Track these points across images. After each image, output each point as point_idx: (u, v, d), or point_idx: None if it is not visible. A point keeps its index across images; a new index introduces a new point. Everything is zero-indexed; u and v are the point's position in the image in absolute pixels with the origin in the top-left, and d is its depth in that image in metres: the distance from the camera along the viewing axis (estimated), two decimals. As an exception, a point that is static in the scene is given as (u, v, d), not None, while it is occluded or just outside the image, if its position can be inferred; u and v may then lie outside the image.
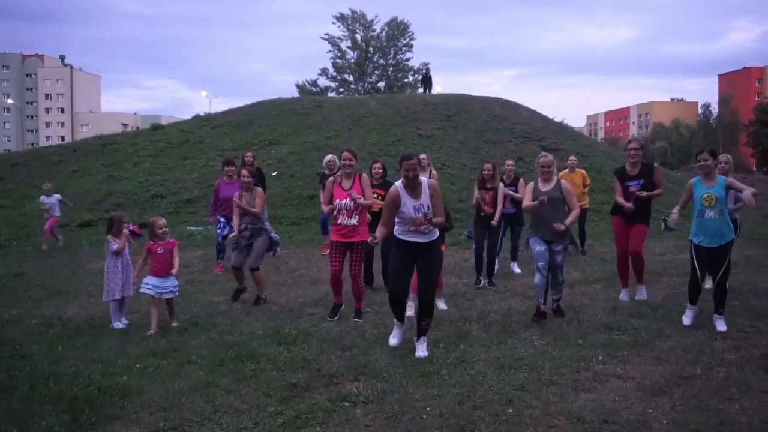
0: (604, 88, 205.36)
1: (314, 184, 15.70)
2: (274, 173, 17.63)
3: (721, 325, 5.85)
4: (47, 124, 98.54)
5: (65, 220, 15.82)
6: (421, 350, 5.22)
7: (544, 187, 6.51)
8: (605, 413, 3.94)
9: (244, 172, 7.53)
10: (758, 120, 62.41)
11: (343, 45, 55.14)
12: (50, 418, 3.99)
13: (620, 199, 7.06)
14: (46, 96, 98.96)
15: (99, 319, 6.67)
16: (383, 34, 55.31)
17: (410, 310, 6.20)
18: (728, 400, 4.15)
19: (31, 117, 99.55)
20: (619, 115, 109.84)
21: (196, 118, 27.02)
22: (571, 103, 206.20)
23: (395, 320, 5.58)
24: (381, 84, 55.43)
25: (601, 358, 5.03)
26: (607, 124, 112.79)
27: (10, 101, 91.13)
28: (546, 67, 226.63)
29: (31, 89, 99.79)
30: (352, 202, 6.29)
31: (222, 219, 9.24)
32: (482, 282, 8.29)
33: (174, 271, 6.37)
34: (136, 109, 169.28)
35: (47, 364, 5.12)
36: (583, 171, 11.61)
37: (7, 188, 18.87)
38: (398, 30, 55.17)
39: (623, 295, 7.24)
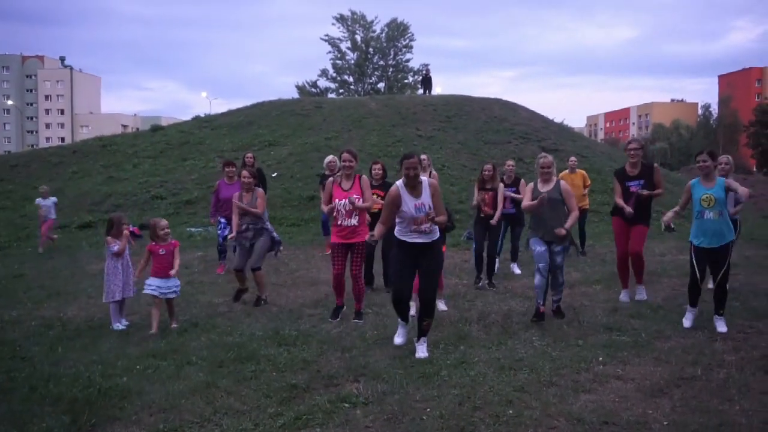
0: (604, 88, 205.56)
1: (314, 185, 15.71)
2: (274, 174, 17.64)
3: (721, 326, 5.84)
4: (47, 126, 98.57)
5: (65, 221, 15.84)
6: (422, 351, 5.22)
7: (543, 188, 6.52)
8: (605, 414, 3.94)
9: (245, 172, 7.53)
10: (758, 121, 62.41)
11: (343, 46, 55.20)
12: (50, 420, 3.99)
13: (620, 202, 7.06)
14: (46, 97, 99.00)
15: (99, 321, 6.67)
16: (383, 35, 55.30)
17: (411, 309, 6.19)
18: (728, 401, 4.14)
19: (31, 118, 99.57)
20: (619, 116, 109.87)
21: (196, 119, 27.01)
22: (571, 103, 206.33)
23: (399, 320, 5.58)
24: (381, 85, 55.43)
25: (601, 359, 5.03)
26: (607, 124, 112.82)
27: (10, 102, 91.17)
28: (546, 67, 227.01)
29: (31, 90, 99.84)
30: (350, 213, 6.30)
31: (222, 220, 9.24)
32: (482, 281, 8.30)
33: (173, 272, 6.37)
34: (136, 110, 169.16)
35: (47, 365, 5.12)
36: (584, 172, 11.61)
37: (7, 189, 18.87)
38: (398, 31, 55.17)
39: (623, 296, 7.24)
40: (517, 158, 16.96)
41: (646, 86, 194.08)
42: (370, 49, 55.12)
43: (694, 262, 6.00)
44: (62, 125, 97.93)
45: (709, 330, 5.83)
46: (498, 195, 8.36)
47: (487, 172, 8.44)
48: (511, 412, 3.99)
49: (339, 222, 6.41)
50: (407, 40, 55.72)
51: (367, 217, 6.69)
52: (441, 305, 6.78)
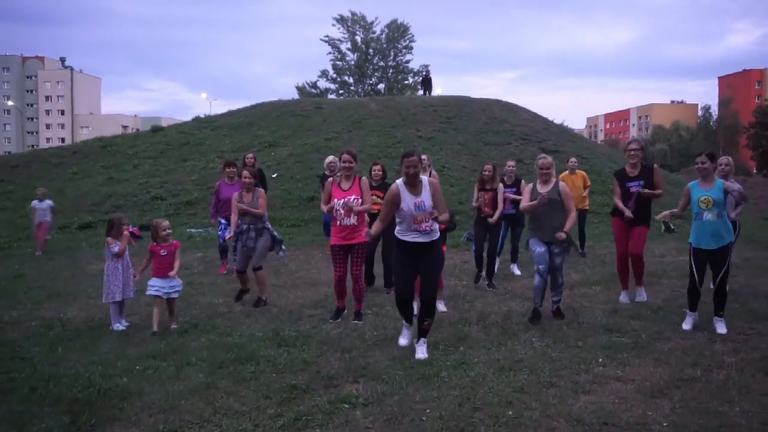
0: (604, 90, 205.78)
1: (314, 185, 15.72)
2: (274, 175, 17.65)
3: (721, 328, 5.84)
4: (47, 126, 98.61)
5: (66, 221, 15.85)
6: (421, 352, 5.21)
7: (542, 189, 6.53)
8: (605, 415, 3.94)
9: (246, 172, 7.54)
10: (758, 122, 62.45)
11: (343, 47, 55.23)
12: (50, 420, 3.99)
13: (620, 204, 7.07)
14: (47, 98, 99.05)
15: (99, 321, 6.67)
16: (383, 36, 55.33)
17: (414, 309, 6.17)
18: (728, 402, 4.14)
19: (32, 119, 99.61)
20: (619, 117, 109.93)
21: (196, 119, 27.03)
22: (571, 105, 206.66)
23: (404, 322, 5.57)
24: (381, 86, 55.44)
25: (600, 360, 5.03)
26: (607, 126, 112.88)
27: (10, 103, 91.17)
28: (546, 68, 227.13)
29: (32, 91, 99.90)
30: (349, 212, 6.30)
31: (223, 221, 9.25)
32: (482, 278, 8.32)
33: (172, 273, 6.38)
34: (136, 111, 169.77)
35: (47, 366, 5.12)
36: (584, 173, 11.63)
37: (7, 190, 18.88)
38: (398, 32, 55.19)
39: (623, 297, 7.24)
40: (517, 159, 16.97)
41: (646, 88, 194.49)
42: (370, 50, 55.15)
43: (693, 264, 6.01)
44: (62, 126, 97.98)
45: (709, 331, 5.83)
46: (498, 195, 8.37)
47: (487, 173, 8.45)
48: (510, 413, 3.99)
49: (338, 222, 6.42)
50: (407, 41, 55.77)
51: (366, 218, 6.69)
52: (441, 306, 6.78)
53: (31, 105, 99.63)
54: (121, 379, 4.72)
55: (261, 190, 7.55)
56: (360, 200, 6.34)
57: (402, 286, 5.37)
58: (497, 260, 9.12)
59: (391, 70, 56.16)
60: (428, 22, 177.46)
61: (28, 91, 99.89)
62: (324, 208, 6.62)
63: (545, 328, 6.08)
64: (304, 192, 16.79)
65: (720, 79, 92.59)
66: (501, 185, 8.56)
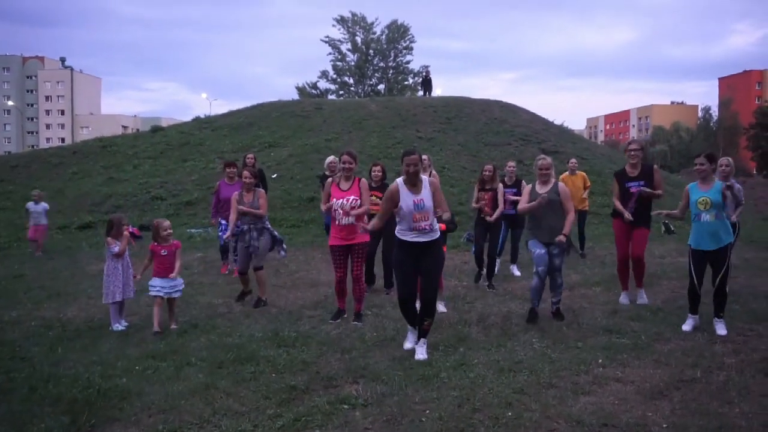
0: (604, 90, 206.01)
1: (314, 186, 15.73)
2: (274, 175, 17.65)
3: (720, 329, 5.84)
4: (47, 126, 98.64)
5: (66, 222, 15.85)
6: (421, 353, 5.21)
7: (541, 190, 6.54)
8: (605, 416, 3.94)
9: (246, 172, 7.55)
10: (758, 123, 62.45)
11: (344, 47, 55.27)
12: (49, 420, 3.99)
13: (619, 206, 7.08)
14: (47, 98, 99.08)
15: (98, 321, 6.66)
16: (383, 36, 55.35)
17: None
18: (728, 403, 4.14)
19: (32, 119, 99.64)
20: (619, 118, 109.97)
21: (196, 120, 27.04)
22: (571, 105, 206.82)
23: (408, 325, 5.54)
24: (381, 86, 55.47)
25: (600, 361, 5.03)
26: (607, 127, 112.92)
27: (10, 103, 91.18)
28: (546, 69, 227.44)
29: (32, 91, 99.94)
30: (347, 215, 6.29)
31: (223, 221, 9.24)
32: (483, 277, 8.33)
33: (173, 275, 6.39)
34: (136, 111, 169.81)
35: (47, 366, 5.12)
36: (584, 174, 11.64)
37: (8, 190, 18.88)
38: (398, 33, 55.21)
39: (623, 298, 7.24)
40: (517, 160, 16.98)
41: (646, 89, 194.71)
42: (371, 51, 55.17)
43: (692, 266, 6.03)
44: (62, 126, 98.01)
45: (708, 333, 5.83)
46: (498, 196, 8.38)
47: (487, 173, 8.46)
48: (510, 414, 3.99)
49: (337, 222, 6.42)
50: (407, 42, 55.80)
51: (365, 219, 6.69)
52: (440, 307, 6.78)
53: (31, 105, 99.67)
54: (120, 380, 4.72)
55: (261, 191, 7.56)
56: (359, 201, 6.34)
57: (403, 286, 5.37)
58: (497, 261, 9.13)
59: (391, 71, 56.18)
60: (428, 23, 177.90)
61: (28, 91, 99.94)
62: (323, 207, 6.63)
63: (545, 329, 6.07)
64: (304, 192, 16.79)
65: (720, 80, 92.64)
66: (501, 185, 8.57)
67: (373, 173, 7.91)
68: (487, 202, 8.38)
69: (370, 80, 56.10)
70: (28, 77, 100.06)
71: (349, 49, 55.30)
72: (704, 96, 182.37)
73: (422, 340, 5.29)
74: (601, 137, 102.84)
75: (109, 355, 5.42)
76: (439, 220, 5.39)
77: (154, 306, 6.30)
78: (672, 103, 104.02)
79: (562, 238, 6.29)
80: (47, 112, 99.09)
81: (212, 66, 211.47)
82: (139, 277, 6.57)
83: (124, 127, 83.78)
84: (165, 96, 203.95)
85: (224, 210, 9.12)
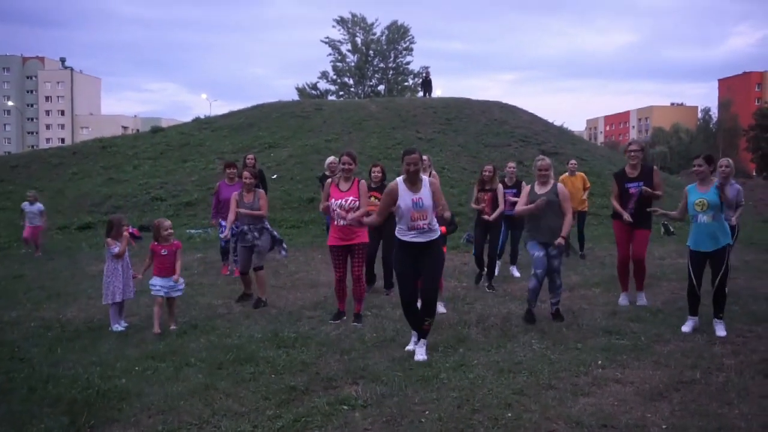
0: (603, 92, 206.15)
1: (314, 187, 15.72)
2: (274, 176, 17.65)
3: (720, 330, 5.85)
4: (47, 127, 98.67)
5: (65, 222, 15.85)
6: (421, 354, 5.21)
7: (540, 190, 6.55)
8: (604, 418, 3.94)
9: (246, 173, 7.56)
10: (758, 125, 62.54)
11: (344, 48, 55.26)
12: (49, 421, 3.99)
13: (617, 206, 7.09)
14: (47, 98, 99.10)
15: (98, 322, 6.66)
16: (383, 37, 55.36)
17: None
18: (727, 405, 4.14)
19: (32, 119, 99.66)
20: (619, 119, 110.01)
21: (196, 120, 27.03)
22: (570, 107, 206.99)
23: (412, 330, 5.51)
24: (381, 87, 55.49)
25: (600, 362, 5.03)
26: (607, 128, 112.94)
27: (10, 103, 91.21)
28: (545, 71, 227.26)
29: (32, 91, 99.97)
30: (346, 214, 6.29)
31: (223, 222, 9.23)
32: (483, 278, 8.33)
33: (175, 277, 6.40)
34: (136, 111, 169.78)
35: (46, 366, 5.11)
36: (583, 175, 11.64)
37: (7, 190, 18.87)
38: (398, 34, 55.23)
39: (622, 300, 7.24)
40: (517, 161, 16.99)
41: (646, 90, 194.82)
42: (371, 52, 55.18)
43: (690, 267, 6.05)
44: (62, 126, 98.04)
45: (708, 334, 5.84)
46: (498, 196, 8.39)
47: (487, 173, 8.47)
48: (510, 415, 3.99)
49: (335, 222, 6.43)
50: (407, 43, 55.81)
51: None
52: (440, 308, 6.78)
53: (31, 105, 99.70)
54: (120, 380, 4.71)
55: (261, 191, 7.57)
56: (357, 202, 6.34)
57: (404, 287, 5.37)
58: (497, 263, 9.13)
59: (391, 72, 56.20)
60: (428, 24, 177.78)
61: (28, 92, 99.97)
62: (322, 207, 6.64)
63: (544, 330, 6.07)
64: (304, 193, 16.79)
65: (720, 81, 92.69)
66: (500, 186, 8.57)
67: (372, 174, 7.92)
68: (486, 202, 8.38)
69: (370, 81, 56.13)
70: (28, 77, 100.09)
71: (349, 50, 55.37)
72: (704, 97, 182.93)
73: (422, 341, 5.29)
74: (600, 138, 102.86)
75: (109, 355, 5.42)
76: (440, 220, 5.39)
77: (155, 306, 6.30)
78: (672, 104, 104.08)
79: (561, 240, 6.31)
80: (47, 112, 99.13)
81: (212, 66, 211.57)
82: (140, 276, 6.57)
83: (124, 128, 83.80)
84: (165, 96, 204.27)
85: (224, 211, 9.11)
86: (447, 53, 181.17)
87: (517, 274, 9.33)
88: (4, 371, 5.03)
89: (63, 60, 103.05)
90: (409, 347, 5.47)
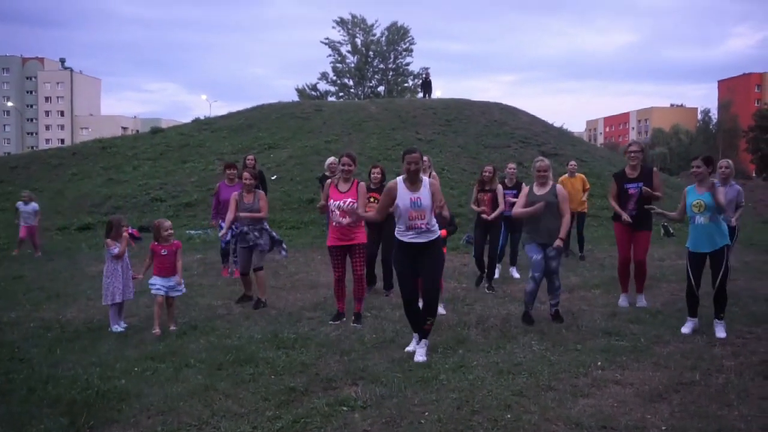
0: (603, 93, 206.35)
1: (314, 188, 15.72)
2: (274, 177, 17.65)
3: (720, 332, 5.85)
4: (47, 127, 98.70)
5: (65, 223, 15.84)
6: (421, 355, 5.21)
7: (539, 191, 6.55)
8: (604, 419, 3.94)
9: (246, 174, 7.56)
10: (758, 126, 62.58)
11: (344, 49, 55.30)
12: (48, 422, 3.99)
13: (615, 206, 7.10)
14: (46, 99, 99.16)
15: (98, 323, 6.66)
16: (383, 38, 55.40)
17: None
18: (727, 406, 4.14)
19: (31, 120, 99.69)
20: (619, 121, 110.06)
21: (196, 121, 27.05)
22: (570, 108, 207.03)
23: (413, 332, 5.52)
24: (381, 88, 55.51)
25: (599, 363, 5.03)
26: (607, 129, 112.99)
27: (10, 104, 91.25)
28: (545, 72, 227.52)
29: (31, 92, 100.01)
30: (344, 214, 6.29)
31: (223, 223, 9.23)
32: (483, 280, 8.33)
33: (178, 279, 6.42)
34: (136, 112, 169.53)
35: (46, 367, 5.11)
36: (583, 176, 11.66)
37: (7, 191, 18.86)
38: (398, 35, 55.27)
39: (622, 301, 7.25)
40: (516, 162, 17.00)
41: (646, 91, 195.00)
42: (371, 53, 55.22)
43: (689, 268, 6.06)
44: (62, 127, 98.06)
45: (708, 335, 5.84)
46: (498, 197, 8.40)
47: (487, 174, 8.48)
48: (509, 416, 3.99)
49: (334, 223, 6.44)
50: (407, 44, 55.86)
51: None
52: (440, 309, 6.76)
53: (31, 106, 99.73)
54: (119, 381, 4.71)
55: (261, 193, 7.57)
56: (356, 204, 6.34)
57: (404, 286, 5.38)
58: (498, 266, 9.13)
59: (391, 73, 56.23)
60: (428, 25, 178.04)
61: (27, 92, 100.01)
62: (319, 206, 6.66)
63: (544, 332, 6.07)
64: (303, 194, 16.79)
65: (720, 82, 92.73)
66: (500, 186, 8.58)
67: (372, 175, 7.92)
68: (486, 203, 8.39)
69: (370, 82, 56.16)
70: (27, 78, 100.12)
71: (348, 51, 55.42)
72: (704, 99, 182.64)
73: (423, 341, 5.29)
74: (600, 140, 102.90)
75: (108, 356, 5.42)
76: (439, 219, 5.38)
77: (155, 306, 6.30)
78: (671, 105, 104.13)
79: (559, 243, 6.32)
80: (47, 113, 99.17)
81: (212, 67, 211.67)
82: (141, 277, 6.57)
83: (124, 129, 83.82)
84: (165, 97, 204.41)
85: (224, 212, 9.08)
86: (447, 54, 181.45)
87: (516, 275, 9.33)
88: (4, 372, 5.03)
89: (63, 60, 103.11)
90: (409, 348, 5.47)
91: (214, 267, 10.09)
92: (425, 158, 8.87)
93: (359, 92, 54.54)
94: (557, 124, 31.25)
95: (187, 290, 8.05)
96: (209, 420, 4.01)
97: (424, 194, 5.22)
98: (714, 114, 79.63)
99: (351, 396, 4.35)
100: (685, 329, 5.99)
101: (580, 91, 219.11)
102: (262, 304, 7.29)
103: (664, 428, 3.82)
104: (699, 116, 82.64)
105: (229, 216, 7.41)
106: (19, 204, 12.70)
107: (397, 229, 5.38)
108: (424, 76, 35.21)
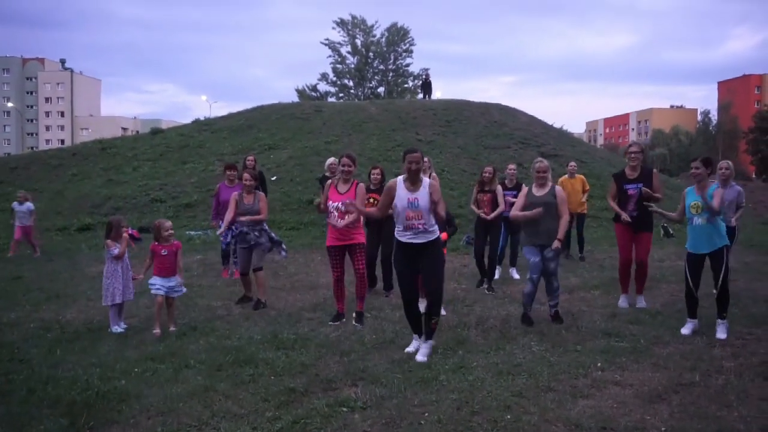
0: (603, 94, 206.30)
1: (314, 188, 15.72)
2: (274, 178, 17.65)
3: (721, 332, 5.85)
4: (47, 128, 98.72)
5: (65, 223, 15.84)
6: (422, 355, 5.21)
7: (538, 192, 6.56)
8: (603, 420, 3.94)
9: (246, 174, 7.57)
10: (757, 127, 62.53)
11: (343, 50, 55.32)
12: (48, 422, 3.99)
13: (614, 205, 7.11)
14: (47, 99, 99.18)
15: (97, 323, 6.66)
16: (383, 39, 55.41)
17: (420, 305, 6.12)
18: (726, 407, 4.14)
19: (31, 120, 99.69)
20: (619, 122, 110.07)
21: (196, 122, 27.06)
22: (570, 109, 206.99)
23: (413, 333, 5.53)
24: (381, 89, 55.52)
25: (599, 364, 5.03)
26: (607, 130, 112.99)
27: (10, 104, 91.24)
28: (545, 73, 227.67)
29: (32, 93, 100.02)
30: (343, 215, 6.29)
31: (223, 223, 9.24)
32: (484, 282, 8.34)
33: (179, 279, 6.43)
34: (136, 113, 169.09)
35: (45, 368, 5.11)
36: (583, 177, 11.66)
37: (7, 192, 18.83)
38: (398, 35, 55.29)
39: (622, 302, 7.25)
40: (516, 163, 16.99)
41: (646, 92, 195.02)
42: (371, 54, 55.23)
43: (687, 269, 6.08)
44: (62, 128, 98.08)
45: (707, 336, 5.84)
46: (498, 198, 8.40)
47: (487, 174, 8.49)
48: (509, 417, 3.99)
49: (331, 224, 6.44)
50: (407, 45, 55.87)
51: (362, 221, 6.70)
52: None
53: (31, 106, 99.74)
54: (119, 382, 4.71)
55: (261, 194, 7.58)
56: (355, 202, 6.34)
57: (403, 286, 5.40)
58: (498, 268, 9.13)
59: (391, 74, 56.24)
60: (428, 26, 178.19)
61: (28, 93, 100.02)
62: (316, 204, 6.66)
63: (544, 332, 6.07)
64: (303, 195, 16.80)
65: (719, 84, 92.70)
66: (500, 187, 8.59)
67: (372, 176, 7.93)
68: (486, 204, 8.40)
69: (370, 83, 56.17)
70: (28, 79, 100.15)
71: (348, 52, 55.43)
72: (704, 100, 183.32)
73: (429, 341, 5.30)
74: (600, 141, 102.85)
75: (108, 357, 5.42)
76: (436, 220, 5.37)
77: (155, 306, 6.31)
78: (671, 106, 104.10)
79: (557, 244, 6.33)
80: (47, 113, 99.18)
81: (212, 68, 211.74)
82: (141, 277, 6.58)
83: (124, 129, 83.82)
84: (165, 98, 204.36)
85: (224, 212, 9.10)
86: (447, 55, 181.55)
87: (516, 276, 9.33)
88: (4, 372, 5.03)
89: (63, 61, 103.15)
90: (409, 349, 5.48)
91: (213, 268, 10.09)
92: (426, 159, 8.90)
93: (359, 93, 54.55)
94: (557, 125, 31.26)
95: (187, 291, 8.07)
96: (209, 421, 4.01)
97: (422, 195, 5.22)
98: (714, 115, 79.75)
99: (351, 397, 4.35)
100: (685, 330, 6.00)
101: (579, 92, 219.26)
102: (262, 305, 7.29)
103: (663, 429, 3.82)
104: (699, 117, 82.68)
105: (229, 215, 7.41)
106: (15, 204, 12.63)
107: (396, 229, 5.39)
108: (424, 77, 35.22)
